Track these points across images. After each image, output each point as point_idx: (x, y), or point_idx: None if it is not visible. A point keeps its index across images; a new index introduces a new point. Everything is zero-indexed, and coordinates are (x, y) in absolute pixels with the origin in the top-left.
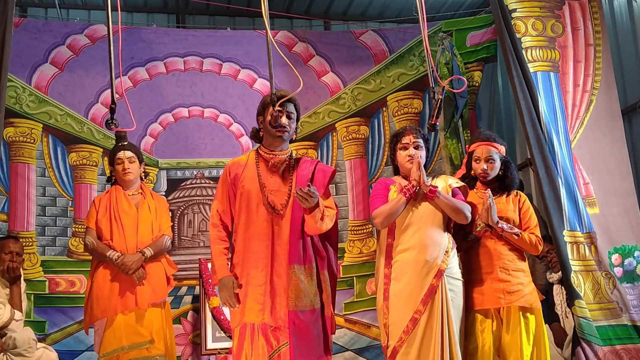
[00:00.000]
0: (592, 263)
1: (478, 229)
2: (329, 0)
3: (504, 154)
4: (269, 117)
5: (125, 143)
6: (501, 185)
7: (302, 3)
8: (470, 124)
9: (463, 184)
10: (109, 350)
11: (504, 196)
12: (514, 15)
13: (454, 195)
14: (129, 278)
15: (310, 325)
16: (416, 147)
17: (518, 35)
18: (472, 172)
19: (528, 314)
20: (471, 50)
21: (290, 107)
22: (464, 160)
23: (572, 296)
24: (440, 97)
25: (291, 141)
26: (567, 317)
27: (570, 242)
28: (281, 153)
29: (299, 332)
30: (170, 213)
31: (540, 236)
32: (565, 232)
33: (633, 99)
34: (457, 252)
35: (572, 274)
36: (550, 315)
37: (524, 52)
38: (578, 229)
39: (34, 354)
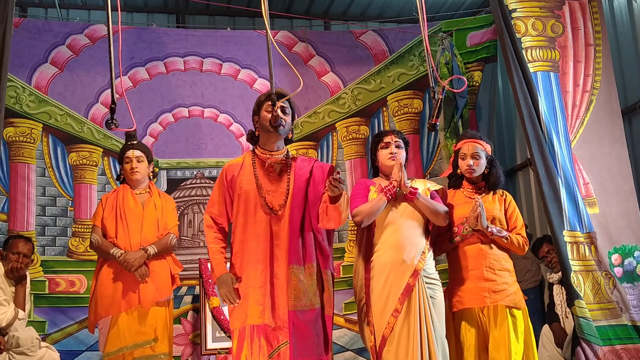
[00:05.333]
0: (592, 263)
1: (465, 232)
2: (329, 0)
3: (490, 153)
4: (265, 115)
5: (135, 142)
6: (487, 183)
7: (302, 3)
8: (470, 124)
9: (441, 187)
10: (113, 349)
11: (490, 195)
12: (514, 15)
13: (432, 198)
14: (132, 276)
15: (309, 325)
16: (397, 147)
17: (518, 35)
18: (459, 170)
19: (515, 312)
20: (471, 50)
21: (284, 102)
22: (451, 159)
23: (572, 296)
24: (440, 97)
25: (288, 141)
26: (567, 317)
27: (570, 242)
28: (277, 153)
29: (298, 332)
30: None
31: (526, 237)
32: (565, 232)
33: (633, 99)
34: (442, 254)
35: (572, 274)
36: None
37: (524, 52)
38: (578, 229)
39: (37, 354)
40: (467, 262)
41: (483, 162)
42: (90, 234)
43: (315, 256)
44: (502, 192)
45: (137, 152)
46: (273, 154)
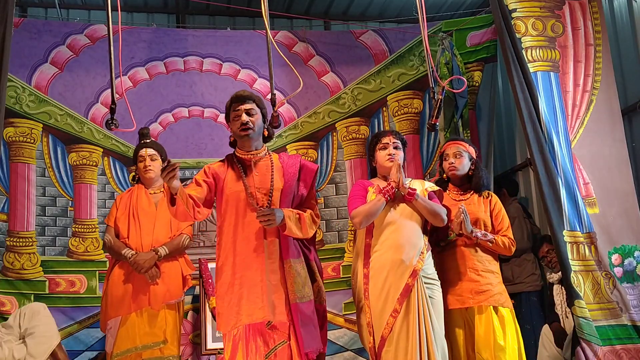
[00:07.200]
0: (592, 263)
1: (450, 237)
2: (329, 0)
3: (474, 156)
4: (233, 122)
5: (148, 141)
6: (471, 185)
7: (302, 3)
8: (470, 124)
9: (439, 188)
10: (122, 349)
11: (475, 197)
12: (514, 15)
13: (430, 199)
14: (143, 277)
15: (312, 315)
16: (395, 148)
17: (518, 35)
18: (445, 174)
19: (501, 311)
20: (471, 50)
21: (249, 104)
22: (437, 166)
23: (572, 296)
24: (440, 97)
25: (268, 139)
26: (567, 317)
27: (570, 242)
28: (258, 152)
29: (304, 323)
30: None
31: (512, 237)
32: (565, 232)
33: (633, 99)
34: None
35: (572, 274)
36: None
37: (524, 52)
38: (578, 229)
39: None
40: (452, 263)
41: (466, 161)
42: (104, 234)
43: (304, 248)
44: (488, 194)
45: (151, 151)
46: (255, 154)
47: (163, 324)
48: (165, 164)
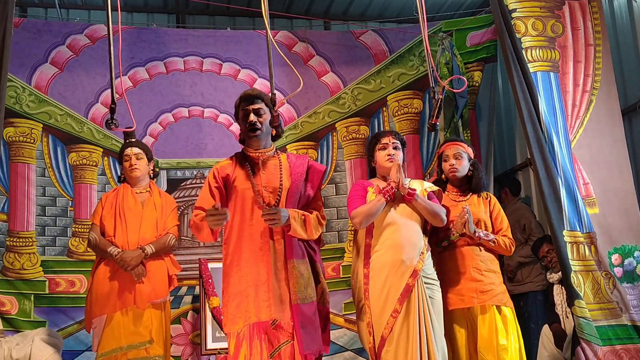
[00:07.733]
0: (592, 263)
1: (452, 238)
2: (329, 0)
3: (472, 157)
4: (241, 121)
5: (133, 140)
6: (470, 186)
7: (302, 3)
8: (470, 124)
9: (438, 188)
10: (107, 350)
11: (475, 197)
12: (514, 15)
13: (429, 199)
14: (128, 275)
15: (313, 317)
16: (395, 148)
17: (518, 35)
18: (443, 175)
19: (504, 311)
20: (471, 50)
21: (257, 104)
22: (435, 166)
23: (572, 296)
24: (441, 97)
25: (277, 137)
26: (567, 317)
27: (570, 242)
28: (267, 150)
29: (304, 324)
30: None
31: (512, 238)
32: (565, 232)
33: (633, 99)
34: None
35: (572, 274)
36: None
37: (524, 52)
38: (578, 229)
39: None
40: (454, 263)
41: (465, 163)
42: (88, 232)
43: (309, 249)
44: (487, 195)
45: (136, 150)
46: (264, 152)
47: (149, 324)
48: (219, 210)
